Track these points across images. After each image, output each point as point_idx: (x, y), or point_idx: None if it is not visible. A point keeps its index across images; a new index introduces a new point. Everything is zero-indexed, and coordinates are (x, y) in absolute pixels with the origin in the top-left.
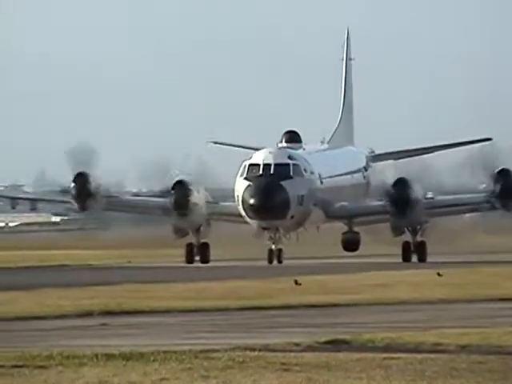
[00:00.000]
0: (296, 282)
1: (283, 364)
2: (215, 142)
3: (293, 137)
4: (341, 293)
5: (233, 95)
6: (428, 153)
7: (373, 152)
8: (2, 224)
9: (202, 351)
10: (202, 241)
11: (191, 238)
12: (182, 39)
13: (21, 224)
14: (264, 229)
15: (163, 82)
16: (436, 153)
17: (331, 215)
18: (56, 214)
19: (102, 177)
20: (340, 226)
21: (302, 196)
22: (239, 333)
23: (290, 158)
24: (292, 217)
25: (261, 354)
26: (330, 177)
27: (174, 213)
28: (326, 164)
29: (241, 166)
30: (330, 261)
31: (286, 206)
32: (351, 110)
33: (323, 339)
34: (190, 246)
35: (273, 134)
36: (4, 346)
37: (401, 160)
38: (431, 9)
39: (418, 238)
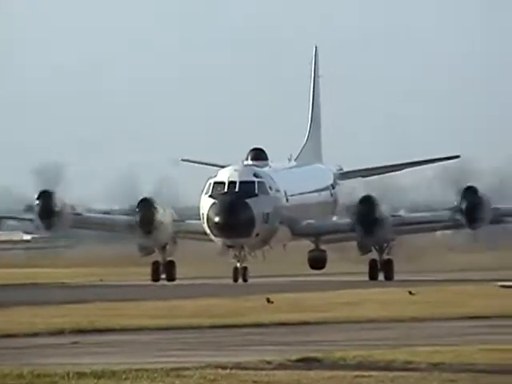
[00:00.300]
0: (268, 300)
1: (255, 382)
2: (185, 160)
3: (258, 154)
4: (312, 311)
5: (200, 112)
6: (397, 170)
7: (341, 169)
8: None
9: (173, 369)
10: (168, 259)
11: (157, 256)
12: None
13: None
14: (229, 247)
15: (139, 96)
16: (406, 170)
17: (297, 233)
18: (27, 232)
19: (68, 194)
20: (307, 244)
21: (268, 214)
22: (211, 351)
23: (255, 175)
24: (257, 235)
25: (232, 372)
26: (296, 194)
27: (139, 231)
28: (292, 182)
29: (206, 183)
30: (297, 279)
31: (250, 223)
32: (319, 127)
33: (295, 357)
34: (155, 264)
35: (241, 151)
36: None
37: (369, 177)
38: (404, 21)
39: (385, 256)
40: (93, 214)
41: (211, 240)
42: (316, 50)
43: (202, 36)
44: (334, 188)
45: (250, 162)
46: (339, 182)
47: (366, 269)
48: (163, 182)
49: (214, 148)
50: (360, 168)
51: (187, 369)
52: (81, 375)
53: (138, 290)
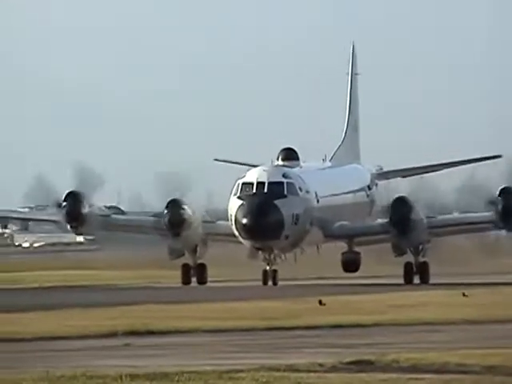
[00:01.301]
0: (320, 303)
1: None
2: (218, 160)
3: (289, 154)
4: (365, 313)
5: (235, 111)
6: (437, 170)
7: (381, 169)
8: (27, 244)
9: (226, 371)
10: (199, 261)
11: (187, 259)
12: (182, 54)
13: (46, 244)
14: (258, 249)
15: (162, 95)
16: (445, 170)
17: (330, 235)
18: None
19: (100, 195)
20: (341, 246)
21: (297, 215)
22: (264, 353)
23: (284, 176)
24: (287, 237)
25: (285, 374)
26: (328, 195)
27: (168, 232)
28: (324, 182)
29: (235, 184)
30: (329, 282)
31: (279, 225)
32: (357, 126)
33: (347, 359)
34: (186, 267)
35: (276, 150)
36: (28, 366)
37: (408, 177)
38: (438, 23)
39: (421, 259)
40: (121, 216)
41: (240, 242)
42: (353, 46)
43: (238, 35)
44: (370, 189)
45: (280, 162)
46: (377, 182)
47: (401, 271)
48: (194, 182)
49: (250, 148)
50: (399, 168)
51: (240, 371)
52: (133, 377)
53: (191, 292)
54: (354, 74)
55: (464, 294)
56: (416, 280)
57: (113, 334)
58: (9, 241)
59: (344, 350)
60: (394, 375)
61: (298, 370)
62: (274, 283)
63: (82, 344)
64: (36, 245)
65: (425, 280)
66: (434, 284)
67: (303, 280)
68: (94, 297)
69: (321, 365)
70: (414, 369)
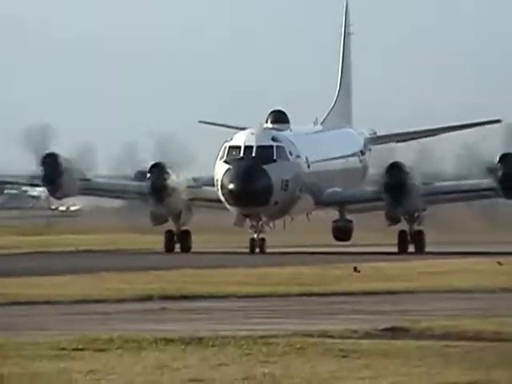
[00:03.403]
0: (355, 269)
1: (341, 350)
2: (203, 122)
3: (279, 116)
4: (399, 280)
5: (223, 72)
6: (433, 135)
7: (375, 133)
8: (64, 208)
9: (260, 337)
10: (183, 228)
11: (171, 225)
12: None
13: (82, 208)
14: (245, 216)
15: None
16: (440, 135)
17: (321, 202)
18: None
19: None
20: (333, 214)
21: (287, 181)
22: (298, 319)
23: (273, 139)
24: (276, 203)
25: (319, 340)
26: (319, 161)
27: (151, 198)
28: (315, 147)
29: (221, 147)
30: (319, 250)
31: (268, 191)
32: (349, 89)
33: (382, 326)
34: (169, 234)
35: (265, 113)
36: (64, 329)
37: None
38: None
39: (416, 227)
40: (101, 180)
41: (227, 208)
42: (347, 4)
43: None
44: (363, 154)
45: (269, 124)
46: (371, 147)
47: (394, 239)
48: (174, 145)
49: (238, 110)
50: (394, 132)
51: (274, 336)
52: (168, 341)
53: (226, 257)
54: (346, 34)
55: (499, 263)
56: (411, 249)
57: (149, 298)
58: (45, 204)
59: (377, 316)
60: (428, 342)
61: (332, 336)
62: (262, 252)
63: (117, 307)
64: (73, 208)
65: (420, 249)
66: (430, 253)
67: (292, 247)
68: (133, 260)
69: (355, 331)
70: (449, 336)
